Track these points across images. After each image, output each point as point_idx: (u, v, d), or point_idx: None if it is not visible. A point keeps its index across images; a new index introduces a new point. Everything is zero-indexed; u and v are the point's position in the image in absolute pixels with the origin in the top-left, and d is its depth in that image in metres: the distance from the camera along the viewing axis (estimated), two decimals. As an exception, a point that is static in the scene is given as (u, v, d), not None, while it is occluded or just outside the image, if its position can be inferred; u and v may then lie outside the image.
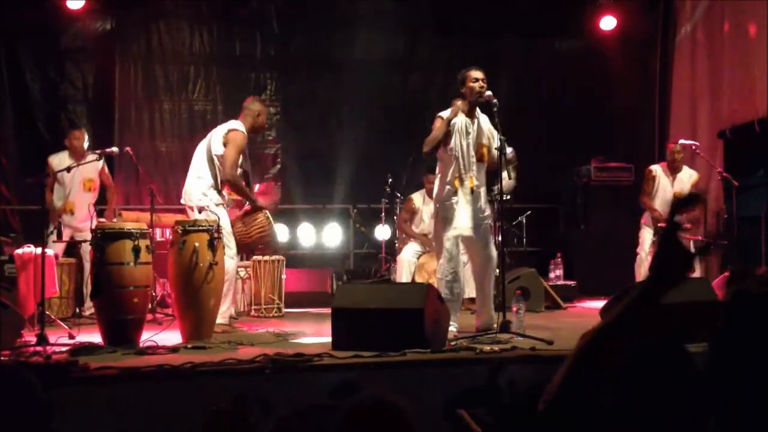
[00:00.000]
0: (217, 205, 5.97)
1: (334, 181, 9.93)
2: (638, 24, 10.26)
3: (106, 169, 7.78)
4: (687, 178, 7.87)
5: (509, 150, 5.63)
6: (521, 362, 4.41)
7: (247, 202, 6.24)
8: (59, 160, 7.40)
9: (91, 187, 7.57)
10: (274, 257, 7.57)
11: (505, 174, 5.53)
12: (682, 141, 7.83)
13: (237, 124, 6.09)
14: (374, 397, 1.51)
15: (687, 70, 9.74)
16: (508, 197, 5.90)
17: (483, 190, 5.75)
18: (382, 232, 9.13)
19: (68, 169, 6.95)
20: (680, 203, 1.28)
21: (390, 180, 8.81)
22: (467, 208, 5.61)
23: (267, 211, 6.06)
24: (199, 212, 5.94)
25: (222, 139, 6.01)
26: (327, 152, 10.06)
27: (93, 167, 7.43)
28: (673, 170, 7.87)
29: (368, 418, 1.52)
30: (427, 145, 5.65)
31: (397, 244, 8.55)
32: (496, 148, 5.54)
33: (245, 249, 5.85)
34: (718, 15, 9.22)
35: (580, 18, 10.31)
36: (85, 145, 7.52)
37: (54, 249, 7.20)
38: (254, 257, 7.39)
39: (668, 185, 7.84)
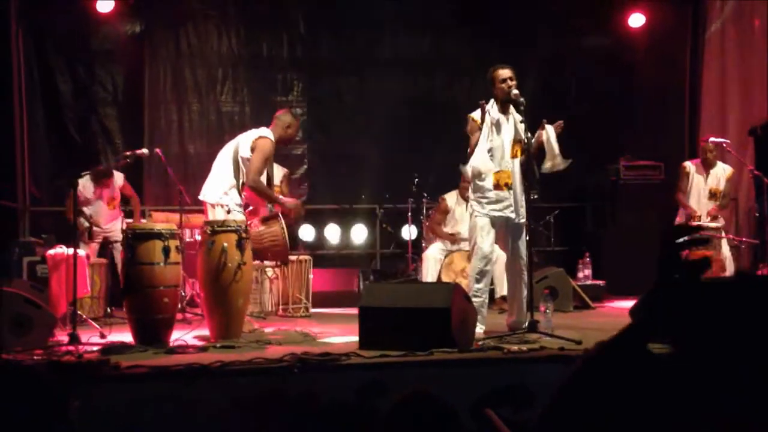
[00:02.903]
0: (237, 205, 6.02)
1: (360, 181, 9.94)
2: (667, 21, 10.16)
3: (127, 183, 8.04)
4: (721, 173, 7.77)
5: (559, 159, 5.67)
6: (549, 362, 4.40)
7: (269, 207, 6.27)
8: (82, 185, 7.56)
9: (114, 205, 7.85)
10: (301, 257, 7.61)
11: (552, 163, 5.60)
12: (712, 139, 7.75)
13: (267, 132, 6.12)
14: (420, 390, 1.51)
15: (717, 66, 9.63)
16: (535, 197, 5.88)
17: (519, 188, 5.71)
18: (409, 232, 9.13)
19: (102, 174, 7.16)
20: (685, 230, 1.19)
21: (417, 180, 8.81)
22: (502, 204, 5.62)
23: (282, 222, 6.07)
24: (213, 208, 6.02)
25: (251, 144, 6.04)
26: (353, 152, 10.07)
27: (114, 186, 7.77)
28: (707, 167, 7.79)
29: (415, 410, 1.52)
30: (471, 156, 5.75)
31: (423, 244, 8.55)
32: (524, 146, 5.55)
33: (255, 255, 5.87)
34: (748, 11, 9.12)
35: (609, 15, 10.24)
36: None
37: (86, 251, 7.33)
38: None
39: (702, 182, 7.77)
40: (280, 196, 6.41)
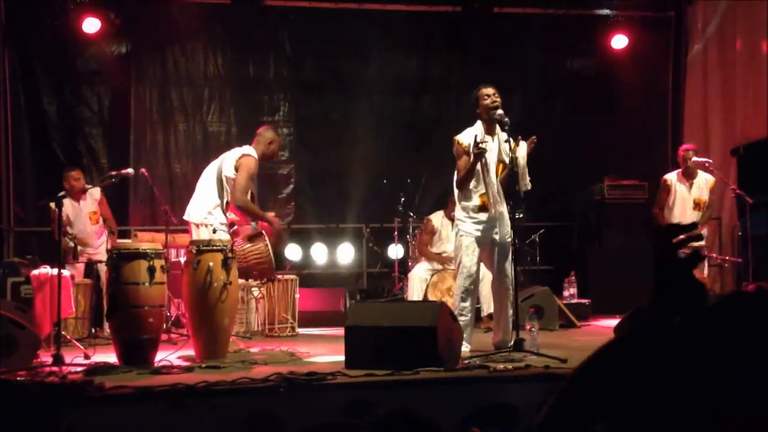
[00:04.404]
0: (221, 224, 6.02)
1: (347, 200, 9.97)
2: (650, 42, 10.29)
3: (105, 201, 7.89)
4: (704, 183, 7.68)
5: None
6: (535, 381, 4.40)
7: (253, 225, 6.28)
8: (66, 204, 7.48)
9: (96, 219, 7.72)
10: (288, 276, 7.61)
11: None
12: (695, 158, 7.73)
13: (250, 150, 6.14)
14: (404, 408, 1.51)
15: (699, 87, 9.75)
16: (521, 216, 5.89)
17: (504, 208, 5.75)
18: (395, 251, 9.14)
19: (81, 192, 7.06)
20: (677, 229, 1.25)
21: (402, 199, 8.84)
22: (488, 224, 5.65)
23: (267, 240, 6.08)
24: (197, 228, 6.01)
25: (234, 163, 6.05)
26: (340, 172, 10.11)
27: (92, 201, 7.62)
28: (689, 176, 7.70)
29: (398, 427, 1.52)
30: (462, 182, 5.71)
31: (410, 263, 8.56)
32: (507, 166, 5.60)
33: (240, 273, 5.88)
34: (730, 32, 9.24)
35: (592, 37, 10.35)
36: (83, 184, 7.61)
37: (71, 272, 7.27)
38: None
39: (685, 192, 7.68)
40: (267, 213, 6.41)
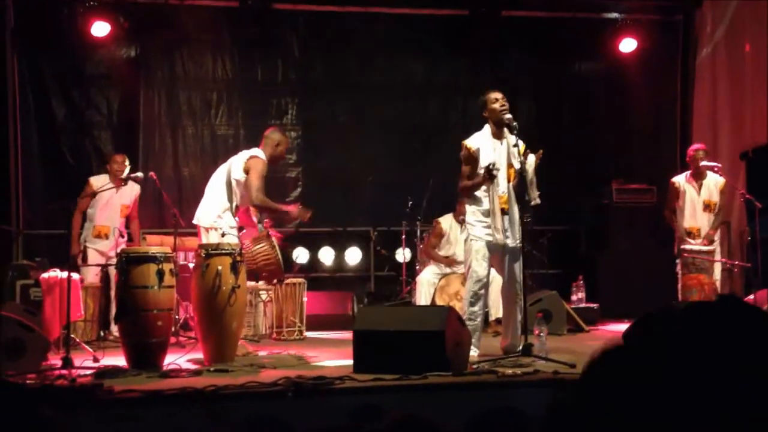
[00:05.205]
0: (231, 227, 6.03)
1: (354, 204, 9.97)
2: (658, 46, 10.25)
3: (137, 201, 7.95)
4: (713, 184, 7.62)
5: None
6: (544, 386, 4.40)
7: (260, 227, 6.29)
8: (101, 182, 7.54)
9: (125, 214, 7.75)
10: (295, 280, 7.61)
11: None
12: (703, 163, 7.69)
13: (258, 152, 6.16)
14: (410, 415, 1.51)
15: (708, 91, 9.72)
16: (528, 219, 5.88)
17: (515, 211, 5.74)
18: (403, 255, 9.14)
19: (127, 179, 7.13)
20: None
21: (410, 202, 8.84)
22: (497, 228, 5.64)
23: (274, 240, 6.10)
24: (207, 232, 6.03)
25: (243, 165, 6.07)
26: (347, 175, 10.10)
27: (130, 194, 7.66)
28: (698, 177, 7.63)
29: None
30: (466, 191, 5.71)
31: (417, 267, 8.56)
32: (517, 171, 5.59)
33: (250, 275, 5.90)
34: (738, 36, 9.21)
35: (600, 40, 10.33)
36: (126, 171, 7.65)
37: (87, 276, 7.30)
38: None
39: (694, 193, 7.61)
40: (282, 206, 6.42)
